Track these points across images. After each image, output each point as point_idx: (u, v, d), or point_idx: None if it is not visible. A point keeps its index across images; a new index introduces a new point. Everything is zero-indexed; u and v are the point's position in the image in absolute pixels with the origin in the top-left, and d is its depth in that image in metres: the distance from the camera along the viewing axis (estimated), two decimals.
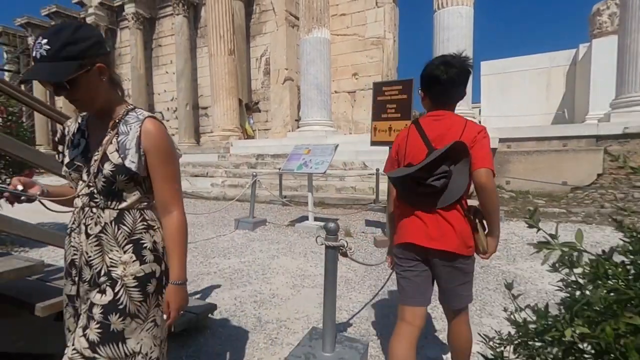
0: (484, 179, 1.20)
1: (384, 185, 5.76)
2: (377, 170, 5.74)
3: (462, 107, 7.39)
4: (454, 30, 7.16)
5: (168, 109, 15.70)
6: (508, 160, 6.69)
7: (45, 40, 0.80)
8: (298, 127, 9.71)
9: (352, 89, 12.98)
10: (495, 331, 0.81)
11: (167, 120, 15.79)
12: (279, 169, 5.07)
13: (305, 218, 4.59)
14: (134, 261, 0.93)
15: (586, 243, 3.70)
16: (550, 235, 0.66)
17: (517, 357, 0.67)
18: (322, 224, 4.40)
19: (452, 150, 1.22)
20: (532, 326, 0.64)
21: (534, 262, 3.07)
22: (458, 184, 1.25)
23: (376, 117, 3.59)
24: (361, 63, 12.66)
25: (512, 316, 0.70)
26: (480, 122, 12.32)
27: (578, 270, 0.63)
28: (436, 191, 1.26)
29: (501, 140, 6.84)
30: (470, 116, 7.49)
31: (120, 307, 0.90)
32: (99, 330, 0.89)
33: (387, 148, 3.64)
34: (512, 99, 12.07)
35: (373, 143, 3.68)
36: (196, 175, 9.15)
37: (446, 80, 1.30)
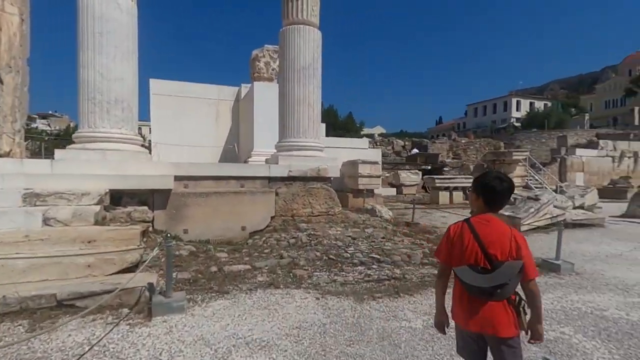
0: (535, 288, 1.64)
1: None
2: None
3: (125, 131, 5.45)
4: (111, 24, 5.17)
5: None
6: (186, 204, 5.44)
7: None
8: None
9: None
10: None
11: None
12: None
13: None
14: None
15: (287, 328, 2.80)
16: None
17: None
18: None
19: (514, 268, 1.60)
20: None
21: None
22: (512, 286, 1.63)
23: None
24: None
25: None
26: (150, 148, 10.65)
27: None
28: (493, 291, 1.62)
29: (177, 179, 5.52)
30: (137, 143, 5.67)
31: None
32: None
33: None
34: (185, 126, 11.31)
35: None
36: None
37: (500, 191, 1.71)
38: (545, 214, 8.13)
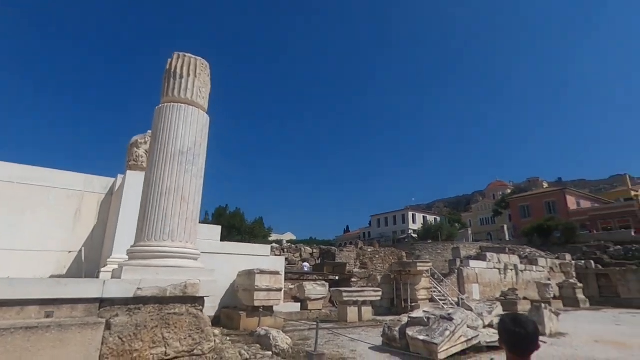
0: None
1: None
2: None
3: None
4: None
5: None
6: None
7: None
8: None
9: None
10: None
11: None
12: None
13: None
14: None
15: None
16: None
17: None
18: None
19: None
20: None
21: None
22: None
23: None
24: None
25: None
26: None
27: None
28: None
29: None
30: None
31: None
32: None
33: None
34: (28, 224, 8.55)
35: None
36: None
37: (527, 335, 1.70)
38: (461, 336, 7.19)
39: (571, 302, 20.64)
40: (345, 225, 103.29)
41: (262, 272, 9.91)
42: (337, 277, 16.65)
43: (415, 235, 51.36)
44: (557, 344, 9.05)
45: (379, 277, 15.95)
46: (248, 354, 5.22)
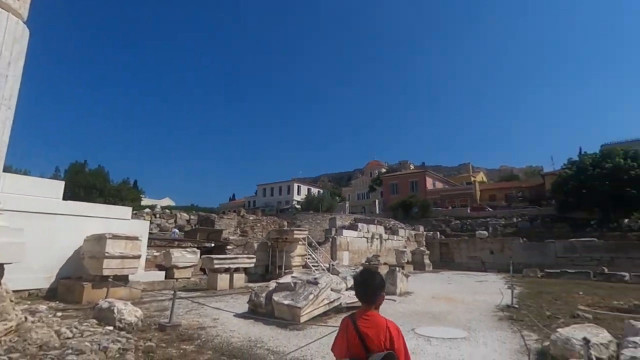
0: None
1: None
2: None
3: None
4: None
5: None
6: None
7: None
8: None
9: None
10: None
11: None
12: None
13: None
14: None
15: None
16: None
17: None
18: None
19: (380, 357, 1.86)
20: None
21: None
22: None
23: None
24: None
25: None
26: None
27: None
28: None
29: None
30: None
31: None
32: None
33: None
34: None
35: None
36: None
37: (361, 283, 2.11)
38: (324, 299, 7.48)
39: (419, 266, 24.37)
40: (231, 193, 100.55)
41: (115, 236, 8.54)
42: (212, 244, 15.86)
43: (298, 206, 53.20)
44: (404, 301, 10.36)
45: (255, 245, 15.78)
46: (73, 331, 4.28)
